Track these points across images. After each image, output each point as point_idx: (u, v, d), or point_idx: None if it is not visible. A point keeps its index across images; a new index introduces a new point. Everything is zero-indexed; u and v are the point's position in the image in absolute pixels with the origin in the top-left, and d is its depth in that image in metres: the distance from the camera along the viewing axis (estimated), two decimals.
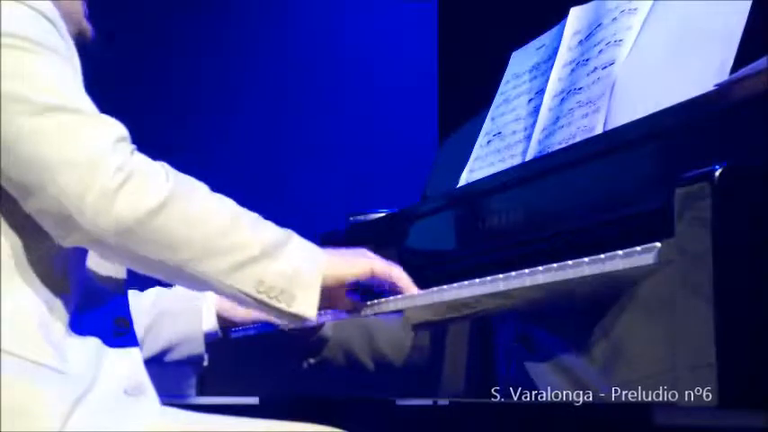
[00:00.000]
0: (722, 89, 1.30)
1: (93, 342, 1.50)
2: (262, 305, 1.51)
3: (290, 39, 4.10)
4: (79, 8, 1.68)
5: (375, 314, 1.64)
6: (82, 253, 1.51)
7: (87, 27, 1.69)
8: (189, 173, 1.49)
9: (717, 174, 1.06)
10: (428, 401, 2.49)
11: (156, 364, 1.97)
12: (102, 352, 1.50)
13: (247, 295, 1.49)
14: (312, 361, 1.89)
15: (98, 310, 1.54)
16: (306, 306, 1.52)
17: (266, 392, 2.27)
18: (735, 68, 1.42)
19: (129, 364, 1.54)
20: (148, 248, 1.42)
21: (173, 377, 2.06)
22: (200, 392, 2.32)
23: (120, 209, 1.38)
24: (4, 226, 1.45)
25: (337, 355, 1.80)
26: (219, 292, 1.51)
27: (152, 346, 1.96)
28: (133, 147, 1.45)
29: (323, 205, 3.53)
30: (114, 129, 1.44)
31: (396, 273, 1.64)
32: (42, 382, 1.40)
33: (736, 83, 1.27)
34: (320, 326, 1.81)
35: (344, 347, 1.79)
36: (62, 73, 1.46)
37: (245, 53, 4.07)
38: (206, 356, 2.00)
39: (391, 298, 1.62)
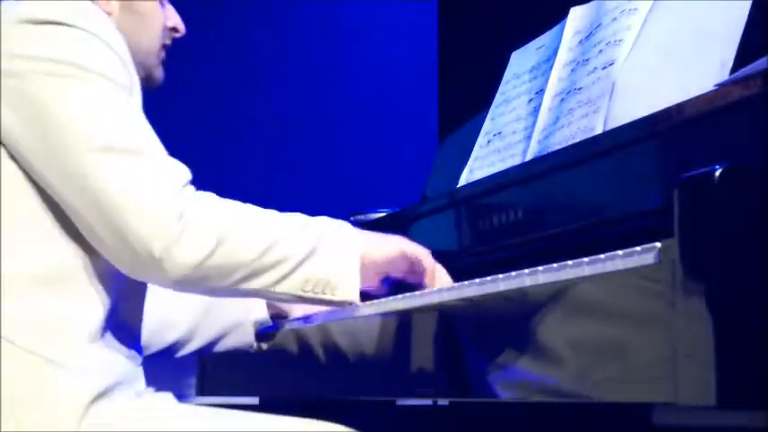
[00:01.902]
0: (722, 89, 1.30)
1: (113, 356, 1.52)
2: (308, 301, 1.61)
3: (290, 39, 4.10)
4: (155, 56, 1.70)
5: (375, 314, 1.64)
6: (117, 275, 1.54)
7: (159, 75, 1.72)
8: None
9: (717, 174, 1.06)
10: (428, 401, 2.49)
11: (206, 352, 2.04)
12: (120, 366, 1.51)
13: (296, 297, 1.59)
14: (304, 357, 1.90)
15: (122, 332, 1.57)
16: (349, 291, 1.61)
17: (266, 392, 2.27)
18: (735, 68, 1.42)
19: (140, 381, 1.59)
20: (207, 283, 1.52)
21: (173, 377, 2.06)
22: (200, 392, 2.32)
23: (181, 258, 1.46)
24: (54, 234, 1.48)
25: (337, 355, 1.80)
26: (269, 299, 1.65)
27: (202, 339, 1.98)
28: (193, 189, 1.51)
29: (323, 205, 3.53)
30: (178, 174, 1.49)
31: (425, 261, 1.68)
32: (60, 382, 1.41)
33: (736, 83, 1.27)
34: (319, 326, 1.81)
35: (344, 347, 1.79)
36: (128, 111, 1.49)
37: (246, 53, 4.07)
38: (255, 343, 2.01)
39: (391, 298, 1.62)
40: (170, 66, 1.77)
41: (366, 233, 1.67)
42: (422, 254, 1.69)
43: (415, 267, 1.68)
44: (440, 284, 1.65)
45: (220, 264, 1.49)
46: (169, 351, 1.95)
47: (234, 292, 1.56)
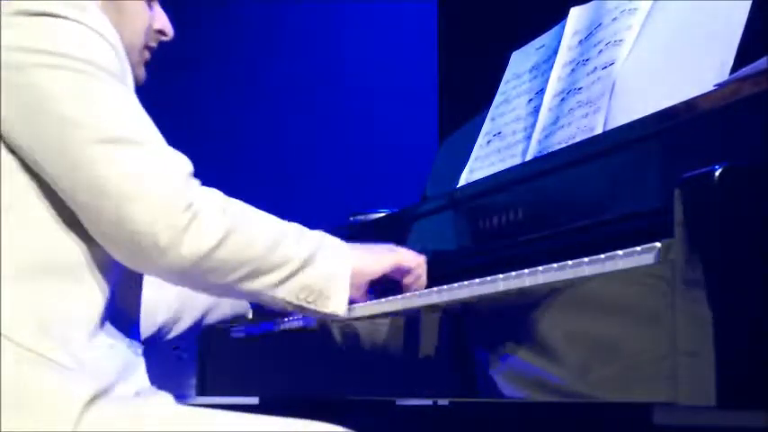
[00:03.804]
0: (722, 89, 1.30)
1: (113, 348, 1.52)
2: (299, 309, 1.60)
3: (291, 39, 4.10)
4: (136, 52, 1.69)
5: (374, 314, 1.64)
6: (116, 265, 1.53)
7: (140, 74, 1.71)
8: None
9: (717, 174, 1.06)
10: (428, 401, 2.49)
11: (196, 330, 2.03)
12: (120, 358, 1.51)
13: (289, 303, 1.58)
14: (304, 357, 1.91)
15: (120, 321, 1.57)
16: (338, 304, 1.61)
17: (266, 392, 2.27)
18: (735, 68, 1.42)
19: (140, 372, 1.58)
20: (207, 277, 1.51)
21: (173, 377, 2.06)
22: (201, 392, 2.32)
23: (187, 248, 1.45)
24: (46, 227, 1.47)
25: (337, 355, 1.80)
26: (265, 302, 1.60)
27: (192, 313, 1.99)
28: (198, 182, 1.51)
29: (323, 205, 3.53)
30: (182, 164, 1.49)
31: (418, 270, 1.70)
32: (58, 381, 1.41)
33: (736, 83, 1.27)
34: (319, 326, 1.81)
35: (344, 347, 1.79)
36: (127, 102, 1.49)
37: (246, 54, 4.08)
38: (251, 310, 2.02)
39: (390, 298, 1.62)
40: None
41: (357, 247, 1.67)
42: (413, 264, 1.71)
43: (405, 276, 1.71)
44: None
45: (226, 257, 1.49)
46: (161, 334, 1.95)
47: (232, 291, 1.56)
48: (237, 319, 2.06)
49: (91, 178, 1.43)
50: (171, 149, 1.50)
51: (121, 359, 1.52)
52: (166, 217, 1.43)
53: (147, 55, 1.72)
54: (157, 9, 1.74)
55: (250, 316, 2.02)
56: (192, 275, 1.49)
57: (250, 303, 2.01)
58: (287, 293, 1.57)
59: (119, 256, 1.48)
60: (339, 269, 1.61)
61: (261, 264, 1.53)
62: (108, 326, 1.53)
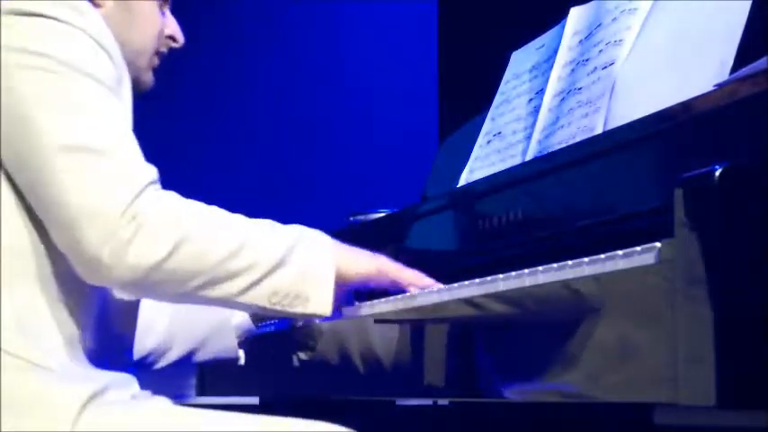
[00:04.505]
0: (722, 89, 1.30)
1: (98, 362, 1.52)
2: (277, 313, 1.55)
3: (290, 39, 4.10)
4: (146, 58, 1.68)
5: (374, 314, 1.64)
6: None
7: (148, 80, 1.69)
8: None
9: (717, 174, 1.06)
10: (428, 401, 2.49)
11: (186, 364, 1.97)
12: (110, 374, 1.51)
13: (262, 308, 1.53)
14: (305, 357, 1.89)
15: (112, 348, 1.57)
16: (321, 304, 1.55)
17: (266, 392, 2.27)
18: (735, 68, 1.42)
19: (134, 384, 1.57)
20: (162, 288, 1.46)
21: (172, 377, 2.06)
22: (201, 392, 2.32)
23: (132, 260, 1.40)
24: (32, 234, 1.45)
25: (337, 356, 1.80)
26: (235, 308, 1.57)
27: (182, 346, 1.93)
28: (154, 190, 1.45)
29: (323, 205, 3.53)
30: (139, 175, 1.44)
31: (407, 276, 1.63)
32: (51, 385, 1.41)
33: (736, 83, 1.27)
34: (319, 326, 1.81)
35: (344, 348, 1.79)
36: (104, 108, 1.45)
37: (246, 53, 4.07)
38: (241, 353, 1.97)
39: (391, 298, 1.62)
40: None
41: (343, 245, 1.61)
42: (406, 276, 1.64)
43: (391, 283, 1.64)
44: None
45: (176, 268, 1.43)
46: (149, 362, 1.90)
47: (193, 298, 1.50)
48: (226, 358, 1.98)
49: (48, 186, 1.40)
50: (136, 160, 1.45)
51: (109, 376, 1.51)
52: (107, 229, 1.39)
53: (156, 61, 1.71)
54: (169, 15, 1.74)
55: (242, 361, 1.97)
56: (144, 287, 1.45)
57: (236, 341, 1.95)
58: (255, 299, 1.50)
59: (76, 268, 1.44)
60: (318, 267, 1.55)
61: (218, 272, 1.47)
62: (95, 346, 1.51)
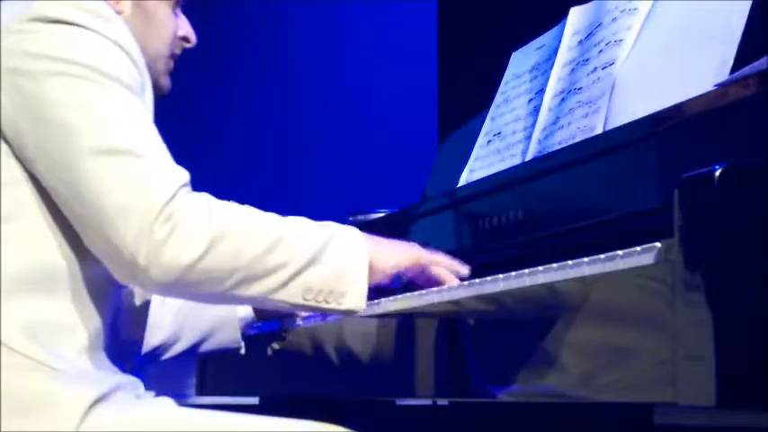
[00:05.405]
0: (722, 89, 1.30)
1: (111, 370, 1.52)
2: (312, 309, 1.55)
3: (291, 39, 4.10)
4: (162, 61, 1.69)
5: (375, 315, 1.63)
6: (117, 290, 1.53)
7: (165, 84, 1.71)
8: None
9: (717, 174, 1.06)
10: (428, 401, 2.49)
11: (191, 355, 2.00)
12: (117, 377, 1.51)
13: (296, 305, 1.53)
14: (305, 357, 1.89)
15: (121, 336, 1.57)
16: (356, 300, 1.55)
17: (266, 392, 2.27)
18: (735, 68, 1.42)
19: (140, 387, 1.57)
20: (198, 288, 1.47)
21: (173, 377, 2.06)
22: (201, 392, 2.32)
23: (167, 260, 1.42)
24: (54, 241, 1.46)
25: (337, 356, 1.80)
26: (269, 307, 1.57)
27: (188, 339, 1.95)
28: (187, 191, 1.46)
29: (323, 205, 3.53)
30: (172, 176, 1.45)
31: (441, 265, 1.64)
32: (58, 386, 1.41)
33: (736, 83, 1.27)
34: (319, 326, 1.81)
35: (344, 347, 1.79)
36: (132, 112, 1.47)
37: (245, 53, 4.07)
38: (242, 344, 1.98)
39: (391, 298, 1.62)
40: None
41: (376, 239, 1.62)
42: (436, 261, 1.64)
43: (429, 275, 1.64)
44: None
45: (212, 267, 1.44)
46: (155, 354, 1.93)
47: (227, 298, 1.52)
48: (228, 349, 2.00)
49: (83, 189, 1.42)
50: (168, 162, 1.47)
51: (117, 378, 1.51)
52: (144, 230, 1.40)
53: (171, 64, 1.71)
54: (181, 15, 1.74)
55: (242, 351, 1.99)
56: (180, 287, 1.46)
57: (240, 334, 1.98)
58: (289, 296, 1.51)
59: (111, 270, 1.46)
60: (352, 262, 1.55)
61: (253, 270, 1.48)
62: (104, 348, 1.51)
